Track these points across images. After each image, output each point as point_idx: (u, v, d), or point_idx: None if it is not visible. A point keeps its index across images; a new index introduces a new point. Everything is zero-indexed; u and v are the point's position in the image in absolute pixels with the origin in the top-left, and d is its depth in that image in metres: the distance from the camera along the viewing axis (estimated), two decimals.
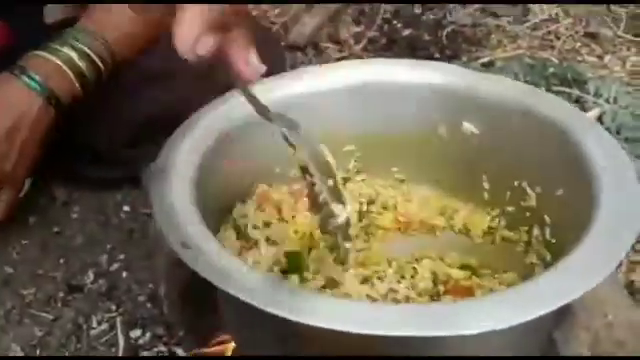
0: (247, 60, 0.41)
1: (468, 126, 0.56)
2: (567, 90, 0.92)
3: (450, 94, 0.56)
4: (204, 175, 0.48)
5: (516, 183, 0.54)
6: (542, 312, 0.36)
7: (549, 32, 1.10)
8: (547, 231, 0.51)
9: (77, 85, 0.66)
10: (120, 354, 0.64)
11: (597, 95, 0.91)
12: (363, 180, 0.58)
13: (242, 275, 0.39)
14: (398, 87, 0.57)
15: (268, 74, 0.44)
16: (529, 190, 0.52)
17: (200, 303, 0.56)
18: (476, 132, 0.56)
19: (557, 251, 0.48)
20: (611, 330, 0.59)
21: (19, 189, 0.66)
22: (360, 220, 0.56)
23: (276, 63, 0.75)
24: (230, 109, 0.53)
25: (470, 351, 0.40)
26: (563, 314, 0.52)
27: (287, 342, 0.42)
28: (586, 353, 0.57)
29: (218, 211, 0.51)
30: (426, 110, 0.57)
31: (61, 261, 0.73)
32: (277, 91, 0.55)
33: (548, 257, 0.50)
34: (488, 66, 1.00)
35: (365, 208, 0.57)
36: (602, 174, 0.46)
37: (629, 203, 0.43)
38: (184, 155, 0.49)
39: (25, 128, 0.63)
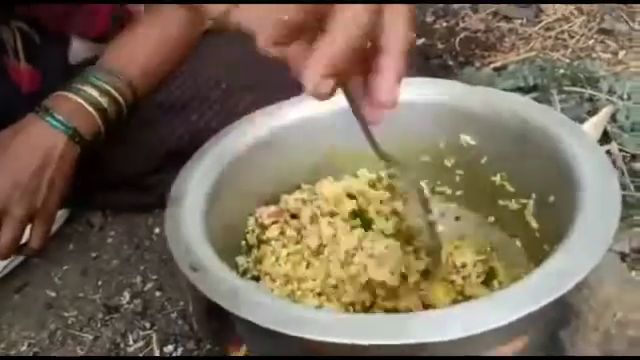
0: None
1: (465, 138, 0.59)
2: (579, 90, 0.92)
3: (446, 109, 0.59)
4: (212, 201, 0.52)
5: (512, 189, 0.56)
6: (517, 316, 0.39)
7: (562, 31, 1.10)
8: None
9: (99, 122, 0.68)
10: None
11: (610, 92, 0.91)
12: None
13: (246, 294, 0.43)
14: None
15: None
16: (523, 199, 0.55)
17: (220, 320, 0.59)
18: (473, 143, 0.59)
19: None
20: (623, 328, 0.60)
21: (51, 221, 0.68)
22: None
23: None
24: (239, 135, 0.58)
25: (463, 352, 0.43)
26: (564, 314, 0.53)
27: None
28: (596, 352, 0.58)
29: (226, 235, 0.55)
30: (426, 126, 0.60)
31: (99, 283, 0.77)
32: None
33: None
34: (500, 70, 1.01)
35: None
36: (587, 182, 0.48)
37: (608, 211, 0.45)
38: (195, 183, 0.53)
39: (52, 165, 0.65)
